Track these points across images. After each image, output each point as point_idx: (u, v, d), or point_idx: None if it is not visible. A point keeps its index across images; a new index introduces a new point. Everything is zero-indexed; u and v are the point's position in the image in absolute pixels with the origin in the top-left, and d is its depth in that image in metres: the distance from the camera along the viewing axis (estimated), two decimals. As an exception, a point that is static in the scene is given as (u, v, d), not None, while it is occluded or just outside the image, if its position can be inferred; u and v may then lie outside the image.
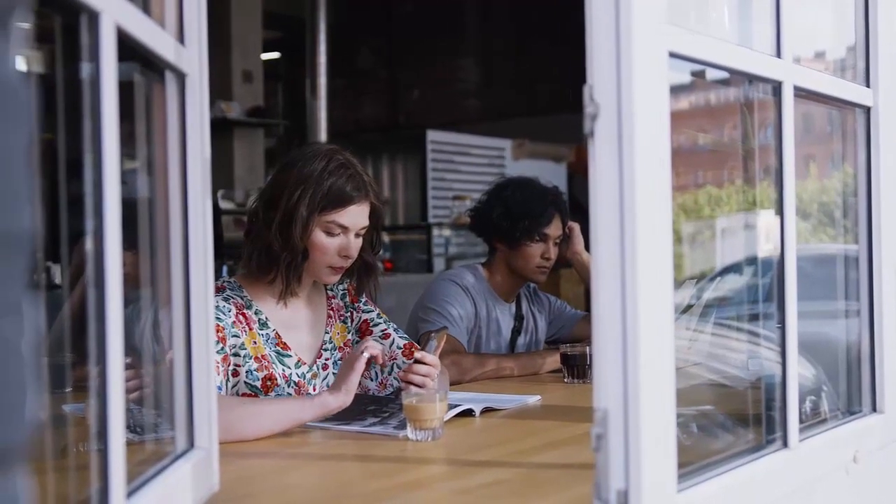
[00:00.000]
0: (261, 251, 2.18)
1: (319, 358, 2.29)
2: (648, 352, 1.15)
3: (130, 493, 1.07)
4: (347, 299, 2.39)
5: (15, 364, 0.56)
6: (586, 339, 2.95)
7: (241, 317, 2.16)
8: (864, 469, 1.69)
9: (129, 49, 1.10)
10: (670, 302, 1.21)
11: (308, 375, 2.24)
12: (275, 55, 10.37)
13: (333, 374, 2.28)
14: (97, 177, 0.98)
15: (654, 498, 1.16)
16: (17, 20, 0.59)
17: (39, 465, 1.00)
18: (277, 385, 2.16)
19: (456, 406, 2.06)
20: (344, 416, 2.03)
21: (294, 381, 2.20)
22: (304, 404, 1.94)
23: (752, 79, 1.54)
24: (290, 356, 2.21)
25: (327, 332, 2.32)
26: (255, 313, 2.20)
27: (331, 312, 2.35)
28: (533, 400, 2.33)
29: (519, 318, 3.12)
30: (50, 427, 1.23)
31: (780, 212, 1.51)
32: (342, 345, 2.34)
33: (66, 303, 2.01)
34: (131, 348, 1.12)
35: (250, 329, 2.17)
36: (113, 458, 0.99)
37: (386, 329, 2.37)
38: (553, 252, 2.99)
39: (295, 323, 2.27)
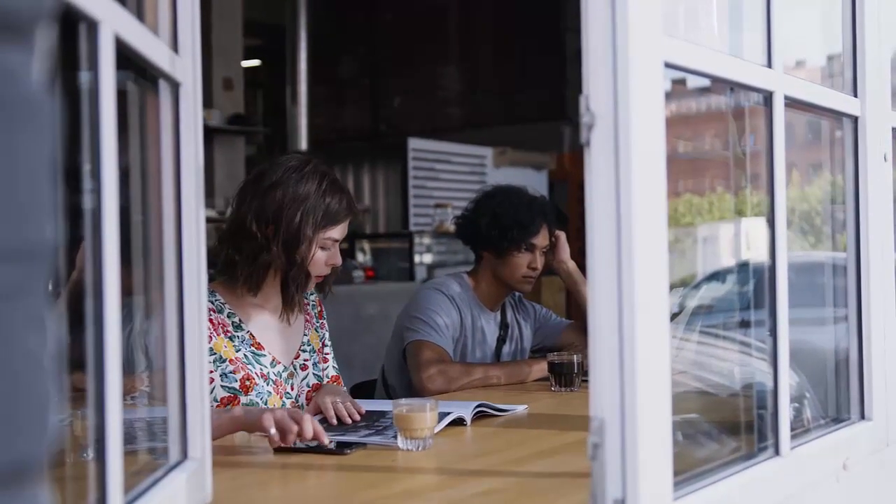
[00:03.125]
0: (260, 269, 2.23)
1: (297, 358, 2.36)
2: (645, 361, 1.15)
3: (127, 505, 1.06)
4: (316, 311, 2.48)
5: (39, 377, 0.56)
6: (572, 347, 2.96)
7: (208, 322, 2.17)
8: (853, 476, 1.70)
9: (124, 57, 1.10)
10: (667, 311, 1.22)
11: (285, 375, 2.30)
12: (255, 62, 10.35)
13: (314, 374, 2.37)
14: (96, 185, 0.97)
15: (650, 507, 1.16)
16: (40, 34, 0.58)
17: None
18: (256, 384, 2.21)
19: (448, 414, 2.06)
20: (337, 427, 2.03)
21: (272, 380, 2.25)
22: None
23: (744, 88, 1.55)
24: (265, 355, 2.27)
25: (305, 335, 2.40)
26: (228, 316, 2.25)
27: (307, 317, 2.43)
28: (521, 409, 2.33)
29: (504, 326, 3.12)
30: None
31: (771, 220, 1.52)
32: (318, 349, 2.43)
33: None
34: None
35: (219, 335, 2.21)
36: (110, 470, 0.98)
37: (328, 354, 2.48)
38: (540, 262, 2.99)
39: (272, 325, 2.32)
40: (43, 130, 0.57)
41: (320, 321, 2.49)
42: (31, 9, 0.56)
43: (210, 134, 7.36)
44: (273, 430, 1.79)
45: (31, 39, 0.57)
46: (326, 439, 1.84)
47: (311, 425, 1.81)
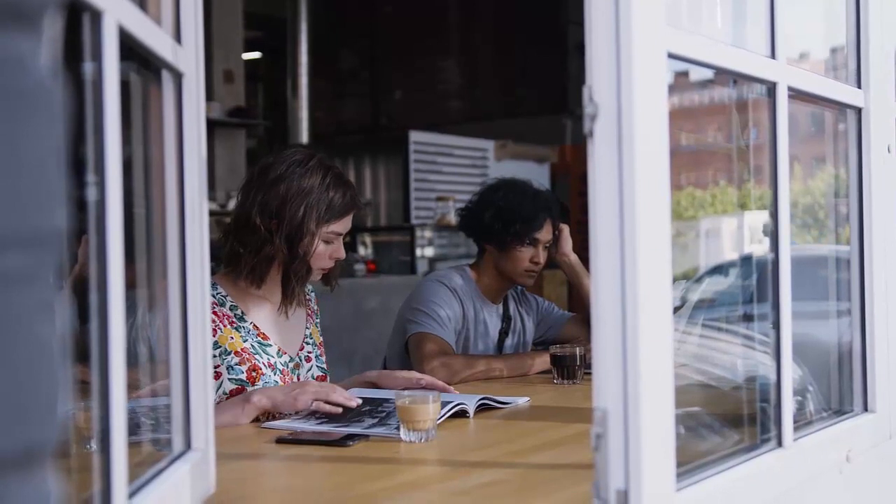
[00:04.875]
0: (263, 261, 2.24)
1: (301, 350, 2.38)
2: (648, 352, 1.15)
3: (131, 495, 1.06)
4: (316, 308, 2.51)
5: (48, 363, 0.56)
6: (574, 339, 2.96)
7: (213, 315, 2.21)
8: (856, 468, 1.70)
9: (127, 48, 1.09)
10: (669, 302, 1.22)
11: (291, 365, 2.33)
12: (256, 55, 10.35)
13: (317, 366, 2.40)
14: (100, 177, 0.97)
15: (653, 497, 1.16)
16: (48, 20, 0.59)
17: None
18: (263, 374, 2.24)
19: (449, 403, 2.06)
20: (340, 417, 2.03)
21: (279, 369, 2.28)
22: (237, 414, 2.05)
23: (747, 79, 1.55)
24: (271, 345, 2.29)
25: (307, 328, 2.43)
26: (231, 309, 2.27)
27: (309, 312, 2.46)
28: (523, 401, 2.33)
29: (506, 319, 3.12)
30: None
31: (774, 212, 1.52)
32: (318, 344, 2.46)
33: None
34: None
35: (225, 326, 2.23)
36: (115, 460, 0.98)
37: (320, 353, 2.49)
38: (542, 256, 2.98)
39: (275, 317, 2.34)
40: (52, 118, 0.57)
41: (317, 322, 2.51)
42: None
43: (211, 126, 7.36)
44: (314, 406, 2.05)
45: (39, 27, 0.57)
46: (354, 403, 2.07)
47: (341, 396, 2.07)
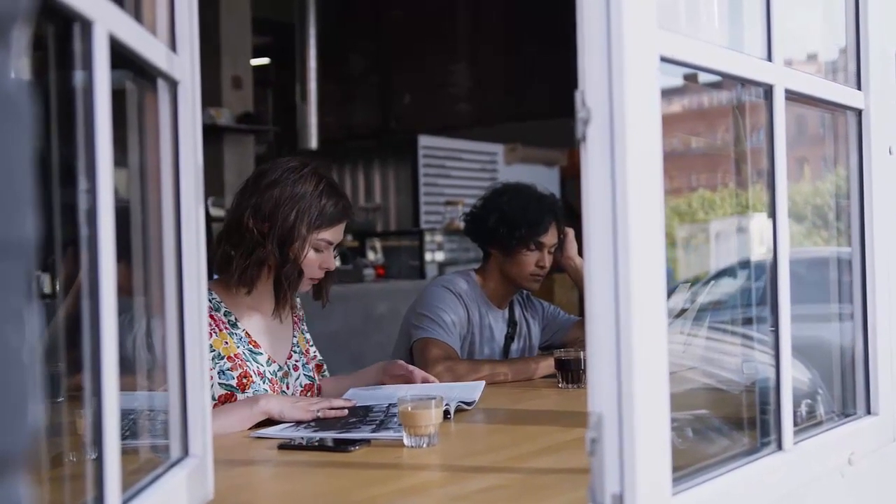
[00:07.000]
0: (255, 265, 2.26)
1: (290, 359, 2.40)
2: (642, 355, 1.15)
3: (126, 502, 1.06)
4: (301, 314, 2.53)
5: (17, 371, 0.56)
6: (580, 344, 2.96)
7: (208, 319, 2.23)
8: (858, 471, 1.69)
9: (121, 56, 1.10)
10: (663, 306, 1.22)
11: (280, 374, 2.35)
12: (264, 61, 10.36)
13: (304, 374, 2.42)
14: (91, 185, 0.98)
15: (649, 501, 1.16)
16: (18, 30, 0.59)
17: (33, 474, 0.99)
18: (253, 382, 2.25)
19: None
20: (332, 426, 2.03)
21: (268, 378, 2.30)
22: (243, 417, 2.07)
23: (743, 82, 1.55)
24: (262, 354, 2.31)
25: (294, 336, 2.45)
26: (225, 315, 2.29)
27: (296, 320, 2.48)
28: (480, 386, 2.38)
29: (512, 323, 3.11)
30: (43, 436, 1.23)
31: (772, 214, 1.52)
32: (304, 352, 2.47)
33: (58, 311, 2.02)
34: (124, 358, 1.12)
35: (220, 331, 2.26)
36: (108, 467, 0.99)
37: (313, 347, 2.53)
38: (548, 260, 2.98)
39: (264, 326, 2.36)
40: (21, 127, 0.58)
41: (303, 327, 2.53)
42: (6, 8, 0.57)
43: (219, 132, 7.37)
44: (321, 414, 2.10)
45: (8, 38, 0.57)
46: (353, 403, 2.18)
47: (341, 402, 2.17)
